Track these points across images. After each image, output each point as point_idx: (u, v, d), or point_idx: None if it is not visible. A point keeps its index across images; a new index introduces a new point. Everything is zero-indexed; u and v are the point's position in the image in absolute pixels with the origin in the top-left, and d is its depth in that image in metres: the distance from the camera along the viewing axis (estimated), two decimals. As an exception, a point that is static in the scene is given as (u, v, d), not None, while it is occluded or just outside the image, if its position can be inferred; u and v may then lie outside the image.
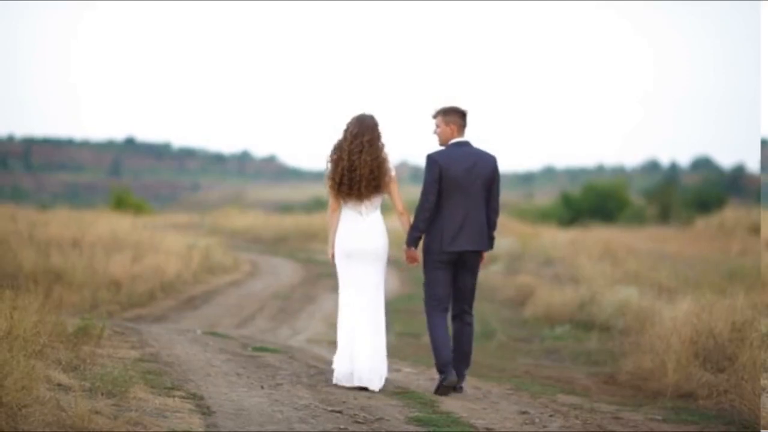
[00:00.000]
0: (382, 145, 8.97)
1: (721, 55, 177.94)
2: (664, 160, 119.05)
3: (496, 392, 9.47)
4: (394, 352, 12.21)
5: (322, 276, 22.52)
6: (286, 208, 59.98)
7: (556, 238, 27.75)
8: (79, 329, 9.64)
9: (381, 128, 9.00)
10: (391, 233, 9.13)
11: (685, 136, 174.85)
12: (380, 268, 9.07)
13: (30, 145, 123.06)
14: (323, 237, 25.76)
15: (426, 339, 10.02)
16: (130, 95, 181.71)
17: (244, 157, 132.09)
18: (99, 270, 17.56)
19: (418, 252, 9.10)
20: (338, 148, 8.98)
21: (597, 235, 27.54)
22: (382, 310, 9.11)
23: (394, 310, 16.98)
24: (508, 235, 26.81)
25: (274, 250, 31.53)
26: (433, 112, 9.12)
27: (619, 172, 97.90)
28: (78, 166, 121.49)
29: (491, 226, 9.06)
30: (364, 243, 9.00)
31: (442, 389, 8.96)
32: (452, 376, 8.93)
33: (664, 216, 41.34)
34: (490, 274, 21.29)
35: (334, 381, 9.00)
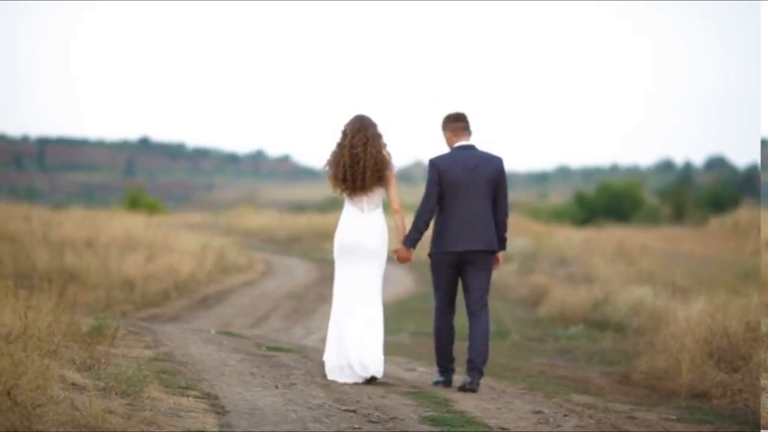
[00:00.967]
0: (384, 142, 9.22)
1: (721, 54, 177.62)
2: (679, 159, 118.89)
3: (511, 392, 9.46)
4: (407, 352, 12.24)
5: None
6: (300, 207, 59.98)
7: (570, 237, 27.72)
8: (93, 329, 9.66)
9: (379, 128, 9.26)
10: (392, 232, 9.26)
11: (699, 135, 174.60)
12: (378, 266, 9.23)
13: (44, 145, 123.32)
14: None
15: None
16: (144, 95, 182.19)
17: (258, 157, 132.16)
18: (113, 270, 17.61)
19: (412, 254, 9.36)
20: (338, 147, 9.21)
21: (611, 235, 27.49)
22: (379, 306, 9.21)
23: (407, 310, 17.05)
24: (522, 234, 26.80)
25: (288, 250, 31.58)
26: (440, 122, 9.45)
27: (634, 171, 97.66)
28: (92, 166, 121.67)
29: (501, 227, 9.23)
30: (363, 239, 9.17)
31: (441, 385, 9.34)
32: (448, 382, 9.30)
33: (678, 216, 41.25)
34: (504, 273, 21.27)
35: (328, 376, 9.15)
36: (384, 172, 9.14)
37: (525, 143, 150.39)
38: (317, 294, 19.94)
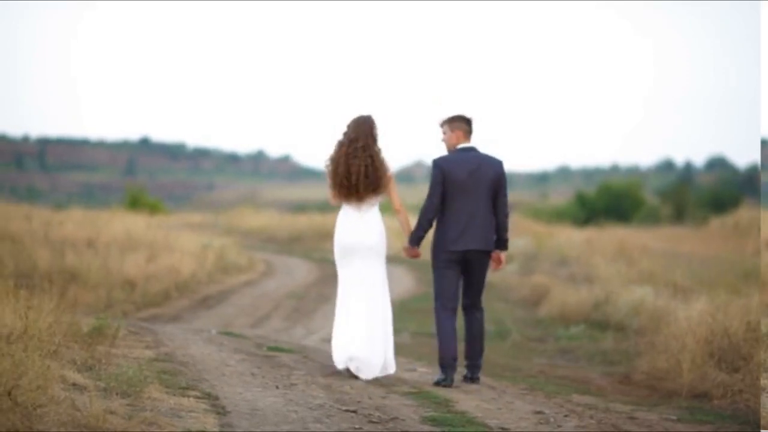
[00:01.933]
0: (378, 149, 9.32)
1: (721, 54, 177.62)
2: (679, 159, 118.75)
3: (511, 392, 9.46)
4: (408, 352, 12.23)
5: (337, 276, 22.50)
6: (300, 207, 59.91)
7: (571, 237, 27.69)
8: (93, 329, 9.66)
9: (377, 130, 9.36)
10: (391, 231, 9.35)
11: (699, 135, 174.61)
12: (379, 263, 9.39)
13: (45, 145, 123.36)
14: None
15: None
16: (145, 95, 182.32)
17: (258, 157, 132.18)
18: (114, 270, 17.60)
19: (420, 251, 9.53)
20: (337, 150, 9.32)
21: (612, 235, 27.47)
22: (386, 303, 9.37)
23: (408, 309, 17.02)
24: (522, 235, 26.79)
25: (289, 250, 31.57)
26: (440, 121, 9.56)
27: (634, 171, 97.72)
28: (93, 166, 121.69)
29: (502, 227, 9.43)
30: (362, 238, 9.33)
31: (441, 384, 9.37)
32: (449, 381, 9.32)
33: (679, 216, 41.22)
34: (504, 273, 21.24)
35: (337, 366, 9.34)
36: (378, 183, 9.27)
37: (525, 143, 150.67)
38: (318, 294, 19.94)
